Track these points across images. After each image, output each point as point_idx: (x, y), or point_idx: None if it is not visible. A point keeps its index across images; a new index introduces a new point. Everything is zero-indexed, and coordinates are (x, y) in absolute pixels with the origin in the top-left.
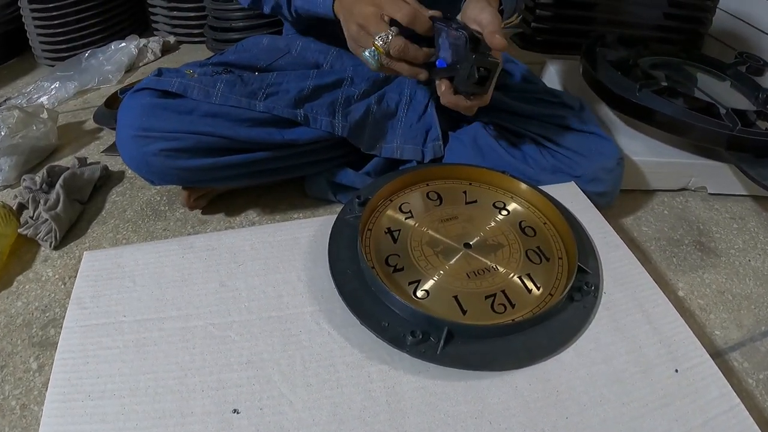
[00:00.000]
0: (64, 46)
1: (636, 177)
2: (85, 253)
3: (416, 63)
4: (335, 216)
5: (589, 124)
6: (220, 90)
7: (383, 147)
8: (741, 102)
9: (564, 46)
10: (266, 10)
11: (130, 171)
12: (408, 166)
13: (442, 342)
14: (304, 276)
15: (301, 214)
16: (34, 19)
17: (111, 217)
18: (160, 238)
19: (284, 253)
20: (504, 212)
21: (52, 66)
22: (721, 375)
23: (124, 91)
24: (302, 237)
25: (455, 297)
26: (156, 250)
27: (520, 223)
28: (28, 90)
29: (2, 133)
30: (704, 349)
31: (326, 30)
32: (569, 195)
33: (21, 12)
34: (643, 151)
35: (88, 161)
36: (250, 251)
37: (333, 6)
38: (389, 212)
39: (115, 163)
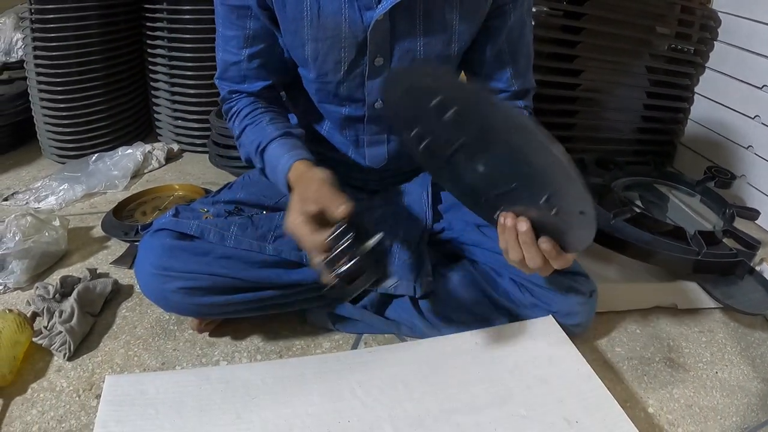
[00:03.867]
0: (71, 145)
1: (610, 300)
2: (106, 376)
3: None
4: (337, 350)
5: None
6: (233, 233)
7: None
8: (710, 217)
9: None
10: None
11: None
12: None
13: None
14: (311, 410)
15: (302, 341)
16: (44, 116)
17: (122, 333)
18: (171, 359)
19: (293, 387)
20: None
21: (59, 161)
22: None
23: (145, 227)
24: (308, 373)
25: None
26: (175, 379)
27: None
28: (37, 186)
29: (16, 238)
30: None
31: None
32: (546, 329)
33: (32, 106)
34: (616, 276)
35: (98, 272)
36: (261, 385)
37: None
38: None
39: (123, 276)
